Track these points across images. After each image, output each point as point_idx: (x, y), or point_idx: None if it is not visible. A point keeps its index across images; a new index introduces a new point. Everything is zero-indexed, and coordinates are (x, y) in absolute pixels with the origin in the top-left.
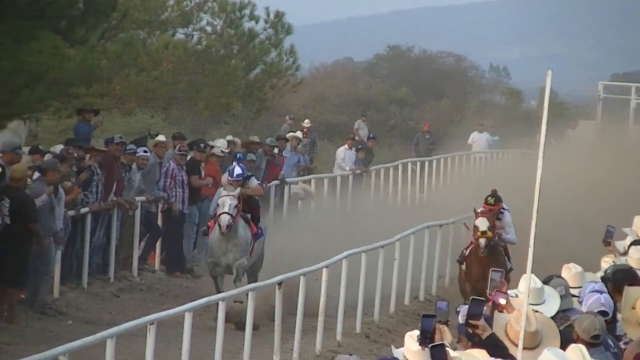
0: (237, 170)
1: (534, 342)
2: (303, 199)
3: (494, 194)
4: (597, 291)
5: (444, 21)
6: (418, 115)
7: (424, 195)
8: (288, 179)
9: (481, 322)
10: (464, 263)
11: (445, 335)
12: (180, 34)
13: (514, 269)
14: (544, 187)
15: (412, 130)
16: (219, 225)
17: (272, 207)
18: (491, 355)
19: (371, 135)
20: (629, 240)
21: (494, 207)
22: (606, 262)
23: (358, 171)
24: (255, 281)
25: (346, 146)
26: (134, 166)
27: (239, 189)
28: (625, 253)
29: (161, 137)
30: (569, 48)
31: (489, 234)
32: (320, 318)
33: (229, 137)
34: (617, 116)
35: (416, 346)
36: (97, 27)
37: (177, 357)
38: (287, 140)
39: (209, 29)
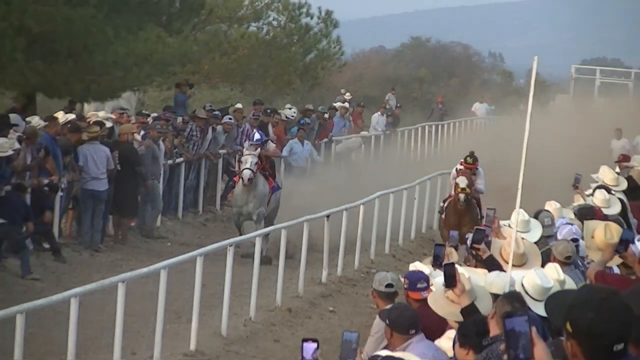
0: (257, 135)
1: (521, 262)
2: (355, 150)
3: (472, 155)
4: (569, 223)
5: (457, 17)
6: (434, 90)
7: (438, 151)
8: (335, 138)
9: (482, 246)
10: (444, 213)
11: (452, 257)
12: (253, 27)
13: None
14: (530, 144)
15: (429, 102)
16: (242, 178)
17: (322, 158)
18: (489, 271)
19: (398, 105)
20: (594, 185)
21: (471, 165)
22: (576, 202)
23: (388, 132)
24: (272, 224)
25: (379, 113)
26: (219, 128)
27: (259, 150)
28: (591, 195)
29: (239, 105)
30: (554, 39)
31: (467, 190)
32: (358, 242)
33: (239, 105)
34: (585, 91)
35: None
36: (190, 21)
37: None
38: (336, 109)
39: (275, 23)
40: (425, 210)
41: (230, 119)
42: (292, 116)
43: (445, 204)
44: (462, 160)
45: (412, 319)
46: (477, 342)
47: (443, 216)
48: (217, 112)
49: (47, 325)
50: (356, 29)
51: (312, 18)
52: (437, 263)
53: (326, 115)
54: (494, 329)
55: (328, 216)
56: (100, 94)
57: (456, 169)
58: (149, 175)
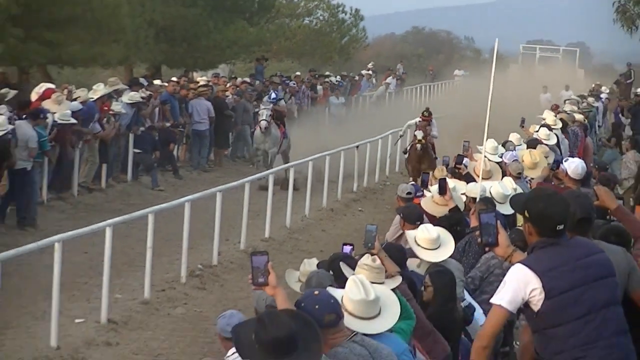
0: (273, 95)
1: (488, 175)
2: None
3: (427, 110)
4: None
5: (447, 12)
6: (428, 62)
7: (430, 101)
8: (362, 94)
9: (462, 166)
10: (408, 154)
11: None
12: (306, 20)
13: (437, 158)
14: (492, 97)
15: (424, 69)
16: (260, 127)
17: (352, 105)
18: (467, 183)
19: (404, 72)
20: (539, 124)
21: (427, 118)
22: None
23: (397, 90)
24: (288, 162)
25: (391, 77)
26: (280, 88)
27: (271, 105)
28: (536, 131)
29: (298, 73)
30: (509, 29)
31: (423, 141)
32: (377, 164)
33: (298, 73)
34: (529, 62)
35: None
36: (264, 16)
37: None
38: (363, 75)
39: (320, 17)
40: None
41: (294, 83)
42: (337, 81)
43: (409, 147)
44: (421, 114)
45: (418, 214)
46: (451, 231)
47: (406, 156)
48: (285, 78)
49: (169, 221)
50: (375, 21)
51: (345, 14)
52: (424, 185)
53: (356, 78)
54: (474, 222)
55: (358, 146)
56: (204, 66)
57: (416, 122)
58: (239, 121)
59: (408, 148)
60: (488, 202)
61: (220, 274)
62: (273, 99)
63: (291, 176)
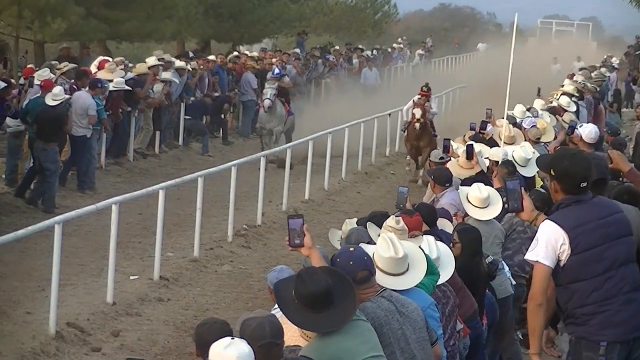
0: (276, 70)
1: (511, 140)
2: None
3: (426, 85)
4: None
5: None
6: (453, 36)
7: (455, 71)
8: (395, 65)
9: (486, 131)
10: (406, 131)
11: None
12: None
13: (437, 136)
14: (513, 67)
15: (450, 42)
16: (263, 106)
17: (385, 76)
18: (490, 147)
19: (432, 45)
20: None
21: (426, 93)
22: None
23: (425, 61)
24: (291, 140)
25: (420, 50)
26: (319, 61)
27: (276, 83)
28: (557, 99)
29: (337, 47)
30: (533, 2)
31: (422, 120)
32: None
33: (337, 47)
34: (546, 36)
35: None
36: None
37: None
38: (395, 48)
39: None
40: (449, 107)
41: (332, 57)
42: (372, 54)
43: (408, 125)
44: (420, 89)
45: (448, 176)
46: None
47: (405, 133)
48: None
49: (217, 184)
50: None
51: None
52: (445, 150)
53: (389, 51)
54: (496, 184)
55: (390, 114)
56: (249, 40)
57: (413, 100)
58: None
59: (406, 126)
60: (509, 165)
61: (264, 234)
62: (277, 74)
63: (310, 151)
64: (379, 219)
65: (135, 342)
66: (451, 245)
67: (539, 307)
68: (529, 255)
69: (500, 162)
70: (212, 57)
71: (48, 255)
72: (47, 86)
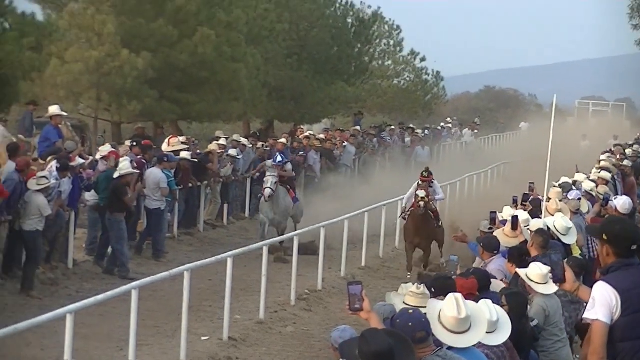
0: (279, 158)
1: (556, 212)
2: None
3: (427, 170)
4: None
5: (514, 72)
6: (497, 115)
7: (500, 147)
8: (443, 143)
9: (527, 203)
10: (406, 219)
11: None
12: (395, 81)
13: (441, 226)
14: (553, 144)
15: (495, 122)
16: (264, 196)
17: (434, 150)
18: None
19: (479, 124)
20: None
21: (427, 178)
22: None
23: (472, 139)
24: (297, 228)
25: (467, 129)
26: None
27: (276, 172)
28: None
29: (392, 127)
30: (576, 83)
31: (426, 199)
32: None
33: (392, 127)
34: (583, 115)
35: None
36: (360, 78)
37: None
38: (444, 127)
39: (407, 79)
40: (494, 181)
41: (389, 137)
42: (424, 134)
43: (409, 212)
44: (420, 175)
45: (496, 244)
46: (520, 260)
47: (404, 223)
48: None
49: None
50: (454, 81)
51: (428, 75)
52: (492, 222)
53: (439, 128)
54: (533, 252)
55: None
56: (310, 120)
57: (418, 183)
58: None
59: (407, 212)
60: (544, 234)
61: (324, 298)
62: (279, 162)
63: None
64: (441, 282)
65: None
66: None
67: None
68: (588, 315)
69: (535, 232)
70: (282, 140)
71: (126, 318)
72: (110, 157)
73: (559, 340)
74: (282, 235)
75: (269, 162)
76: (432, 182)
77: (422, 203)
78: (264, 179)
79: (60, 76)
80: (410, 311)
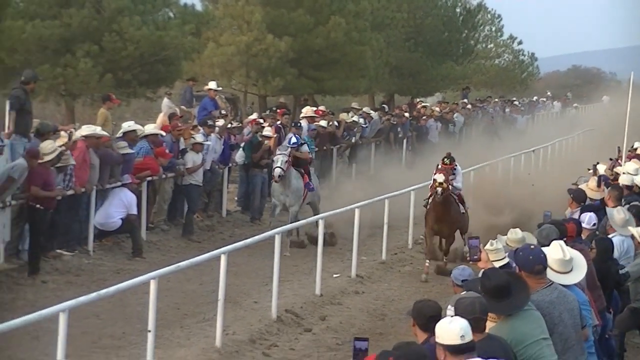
0: (293, 139)
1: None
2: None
3: (448, 156)
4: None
5: (597, 54)
6: (583, 90)
7: (584, 118)
8: (537, 113)
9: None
10: (428, 206)
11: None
12: (496, 61)
13: (468, 209)
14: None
15: (581, 95)
16: (273, 175)
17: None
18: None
19: (570, 97)
20: None
21: (449, 165)
22: None
23: (562, 110)
24: (318, 213)
25: (557, 101)
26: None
27: (289, 149)
28: None
29: (496, 100)
30: None
31: (444, 185)
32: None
33: (496, 100)
34: None
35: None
36: (466, 58)
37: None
38: (538, 100)
39: (507, 59)
40: (580, 145)
41: (492, 108)
42: (521, 105)
43: (430, 198)
44: (441, 161)
45: (583, 197)
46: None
47: (425, 211)
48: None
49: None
50: (546, 62)
51: (524, 56)
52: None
53: (533, 100)
54: (610, 204)
55: (534, 150)
56: (425, 94)
57: (437, 166)
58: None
59: (428, 199)
60: (618, 189)
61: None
62: (293, 144)
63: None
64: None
65: (338, 325)
66: (589, 249)
67: None
68: None
69: (611, 187)
70: (407, 114)
71: (271, 258)
72: (253, 124)
73: None
74: (292, 219)
75: (283, 143)
76: (455, 169)
77: (439, 189)
78: (274, 158)
79: (216, 57)
80: (532, 246)
